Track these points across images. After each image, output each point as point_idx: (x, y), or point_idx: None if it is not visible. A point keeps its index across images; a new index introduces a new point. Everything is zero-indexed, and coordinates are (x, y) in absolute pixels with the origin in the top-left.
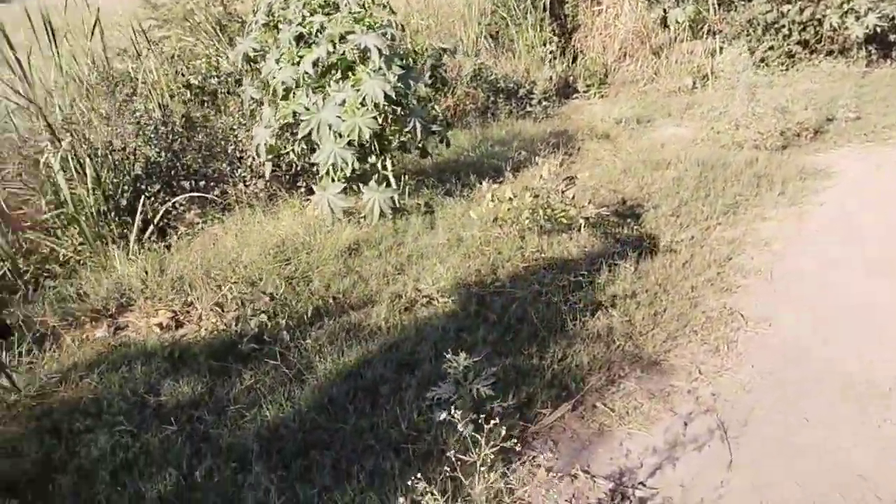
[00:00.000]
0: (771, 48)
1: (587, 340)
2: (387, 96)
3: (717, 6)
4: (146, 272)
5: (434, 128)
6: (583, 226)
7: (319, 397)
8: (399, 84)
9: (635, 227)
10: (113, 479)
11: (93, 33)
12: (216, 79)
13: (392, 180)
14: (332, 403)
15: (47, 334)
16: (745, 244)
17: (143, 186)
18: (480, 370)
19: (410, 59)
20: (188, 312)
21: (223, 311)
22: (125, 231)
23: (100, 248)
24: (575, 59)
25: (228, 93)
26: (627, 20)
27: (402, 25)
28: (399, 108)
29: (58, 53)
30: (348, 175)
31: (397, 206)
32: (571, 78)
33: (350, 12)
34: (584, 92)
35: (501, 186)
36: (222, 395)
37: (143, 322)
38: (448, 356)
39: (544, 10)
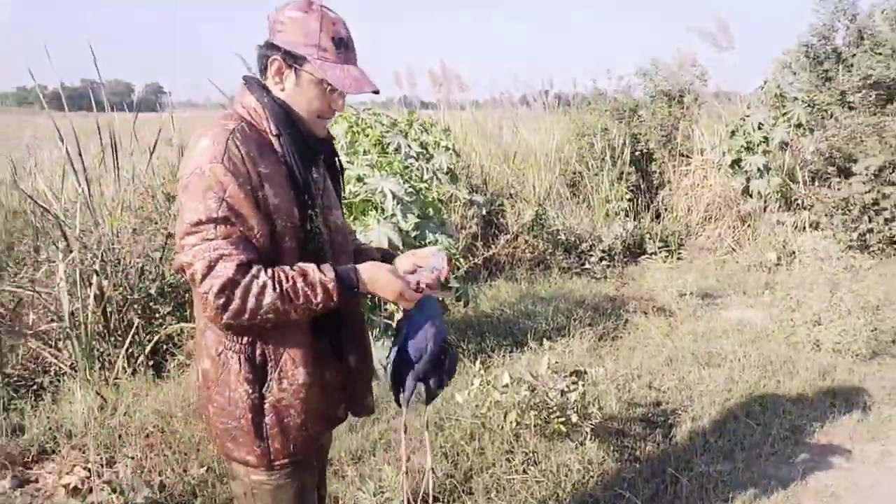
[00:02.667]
0: (870, 231)
1: None
2: (393, 245)
3: (808, 180)
4: (98, 409)
5: (451, 284)
6: (588, 437)
7: None
8: (416, 232)
9: (661, 445)
10: None
11: (152, 153)
12: None
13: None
14: None
15: None
16: (803, 493)
17: (155, 307)
18: None
19: (432, 208)
20: (102, 475)
21: (113, 489)
22: (131, 351)
23: (89, 369)
24: (658, 216)
25: None
26: (715, 183)
27: (449, 170)
28: None
29: (117, 166)
30: None
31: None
32: (649, 236)
33: (380, 154)
34: (654, 254)
35: (516, 362)
36: None
37: (52, 479)
38: None
39: (632, 164)
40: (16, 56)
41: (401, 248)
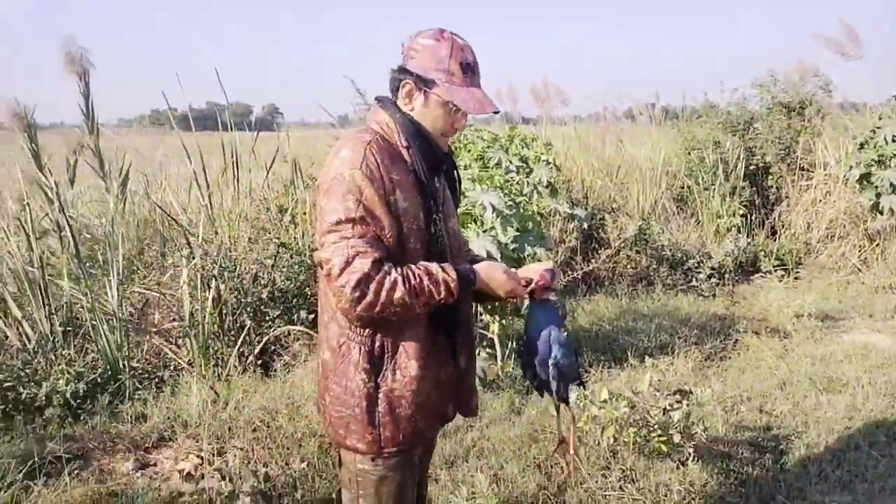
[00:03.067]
0: None
1: None
2: (491, 257)
3: None
4: (211, 403)
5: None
6: (690, 458)
7: None
8: (514, 245)
9: (771, 471)
10: None
11: (269, 169)
12: None
13: (497, 345)
14: None
15: (82, 455)
16: None
17: (266, 310)
18: None
19: (531, 222)
20: (213, 463)
21: (223, 476)
22: (241, 351)
23: (204, 365)
24: (774, 233)
25: None
26: (839, 199)
27: (549, 183)
28: None
29: (237, 180)
30: None
31: (491, 376)
32: (763, 254)
33: (481, 168)
34: (770, 272)
35: (615, 378)
36: None
37: (169, 464)
38: None
39: (745, 178)
40: (152, 82)
41: (499, 260)
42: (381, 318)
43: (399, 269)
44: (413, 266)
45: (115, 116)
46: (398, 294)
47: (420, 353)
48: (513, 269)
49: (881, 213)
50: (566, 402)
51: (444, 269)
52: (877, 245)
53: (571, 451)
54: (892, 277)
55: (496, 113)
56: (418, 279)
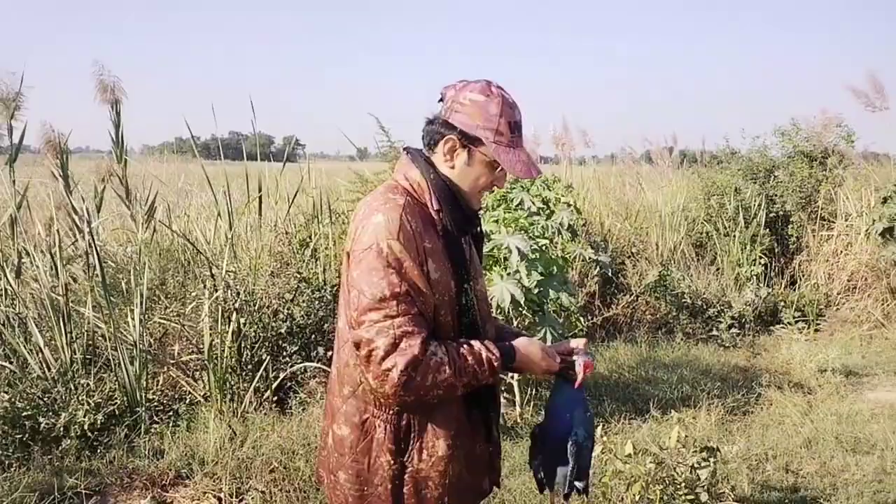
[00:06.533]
0: None
1: None
2: (515, 301)
3: None
4: (228, 440)
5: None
6: None
7: None
8: (538, 289)
9: None
10: None
11: (292, 201)
12: None
13: (516, 390)
14: None
15: (100, 491)
16: None
17: (283, 345)
18: None
19: (556, 266)
20: None
21: None
22: (256, 386)
23: (221, 400)
24: (794, 283)
25: None
26: (861, 251)
27: (570, 226)
28: (534, 316)
29: (260, 213)
30: None
31: (509, 424)
32: (783, 304)
33: (505, 210)
34: (791, 324)
35: (637, 430)
36: None
37: (185, 503)
38: None
39: (766, 226)
40: (174, 111)
41: (522, 304)
42: (421, 401)
43: (444, 349)
44: (454, 344)
45: (140, 143)
46: (444, 376)
47: (449, 430)
48: (548, 346)
49: None
50: (566, 497)
51: (486, 347)
52: None
53: None
54: None
55: (539, 174)
56: (463, 358)
